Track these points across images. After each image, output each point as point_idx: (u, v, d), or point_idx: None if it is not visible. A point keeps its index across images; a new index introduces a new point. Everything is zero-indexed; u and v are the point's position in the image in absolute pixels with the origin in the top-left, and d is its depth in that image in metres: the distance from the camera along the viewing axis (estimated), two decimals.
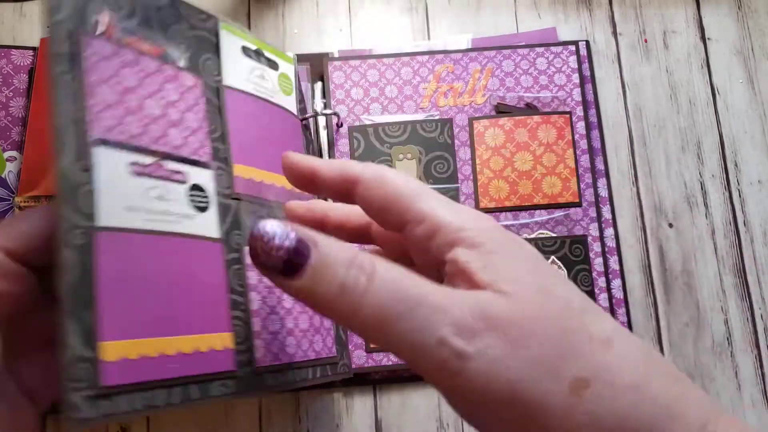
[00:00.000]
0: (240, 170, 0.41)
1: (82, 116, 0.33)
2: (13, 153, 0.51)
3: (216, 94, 0.42)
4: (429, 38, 0.57)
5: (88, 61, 0.34)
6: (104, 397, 0.30)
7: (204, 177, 0.38)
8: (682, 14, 0.59)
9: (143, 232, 0.34)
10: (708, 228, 0.54)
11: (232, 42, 0.46)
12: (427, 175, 0.52)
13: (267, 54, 0.49)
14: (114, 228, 0.32)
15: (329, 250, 0.22)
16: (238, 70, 0.45)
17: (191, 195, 0.37)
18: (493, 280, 0.22)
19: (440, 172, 0.53)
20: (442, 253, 0.23)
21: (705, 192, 0.55)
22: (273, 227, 0.23)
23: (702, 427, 0.21)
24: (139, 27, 0.38)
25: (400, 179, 0.25)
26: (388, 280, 0.21)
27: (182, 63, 0.40)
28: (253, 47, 0.47)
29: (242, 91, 0.44)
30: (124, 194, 0.34)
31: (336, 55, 0.55)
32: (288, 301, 0.41)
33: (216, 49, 0.43)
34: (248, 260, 0.39)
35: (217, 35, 0.44)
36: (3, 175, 0.50)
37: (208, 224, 0.37)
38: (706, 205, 0.55)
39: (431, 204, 0.24)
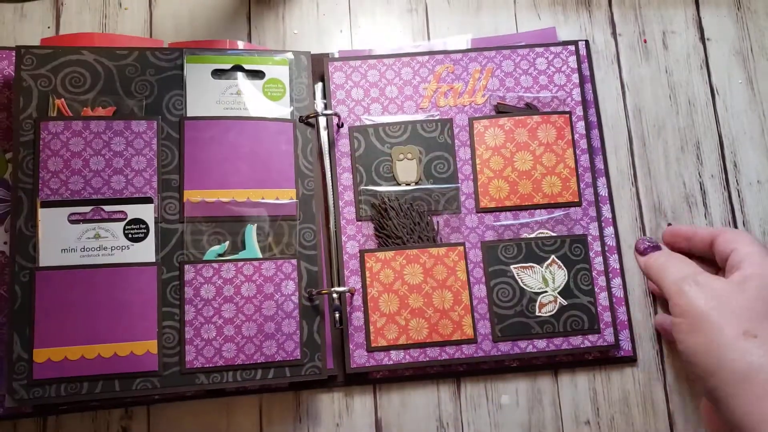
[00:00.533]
0: (191, 195, 0.49)
1: (35, 186, 0.47)
2: None
3: (177, 128, 0.50)
4: (429, 39, 0.58)
5: (42, 142, 0.47)
6: (35, 386, 0.45)
7: (145, 210, 0.48)
8: (682, 15, 0.59)
9: (76, 267, 0.46)
10: None
11: (198, 71, 0.51)
12: (428, 174, 0.52)
13: (248, 67, 0.51)
14: (50, 267, 0.46)
15: (662, 251, 0.47)
16: (205, 97, 0.51)
17: (128, 229, 0.47)
18: (737, 272, 0.42)
19: (440, 171, 0.53)
20: (731, 271, 0.43)
21: (704, 192, 0.55)
22: (649, 238, 0.48)
23: None
24: (97, 95, 0.49)
25: (743, 238, 0.44)
26: (671, 261, 0.45)
27: (137, 111, 0.49)
28: (227, 66, 0.50)
29: (206, 117, 0.50)
30: (62, 239, 0.47)
31: (336, 55, 0.56)
32: (228, 311, 0.48)
33: (183, 83, 0.50)
34: (186, 277, 0.47)
35: (183, 69, 0.51)
36: (5, 177, 0.50)
37: (144, 251, 0.47)
38: (705, 205, 0.55)
39: (750, 249, 0.43)
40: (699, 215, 0.55)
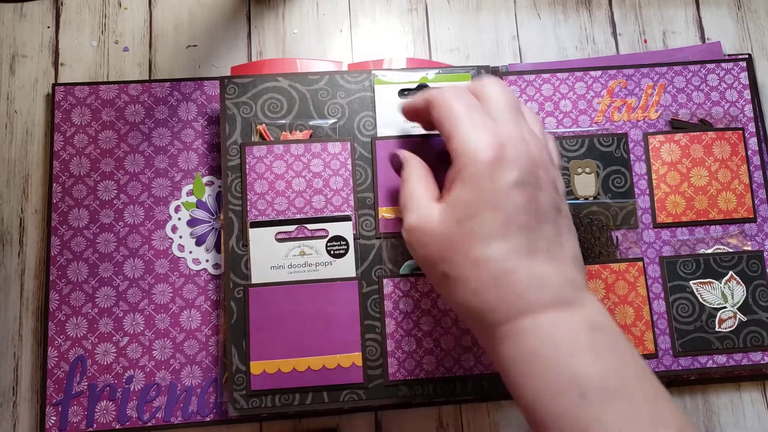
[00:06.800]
0: (385, 212, 0.50)
1: (244, 208, 0.49)
2: (212, 177, 0.53)
3: (369, 148, 0.51)
4: (429, 39, 0.58)
5: (248, 166, 0.50)
6: (253, 397, 0.46)
7: (344, 228, 0.49)
8: (682, 14, 0.59)
9: (285, 283, 0.48)
10: None
11: (386, 92, 0.52)
12: (605, 189, 0.53)
13: (432, 85, 0.52)
14: (261, 284, 0.48)
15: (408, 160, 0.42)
16: (393, 117, 0.52)
17: (330, 246, 0.49)
18: (445, 201, 0.36)
19: (618, 186, 0.53)
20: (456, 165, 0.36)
21: None
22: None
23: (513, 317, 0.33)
24: (294, 119, 0.50)
25: (453, 102, 0.36)
26: (414, 172, 0.40)
27: (331, 133, 0.50)
28: (413, 86, 0.51)
29: (395, 137, 0.51)
30: (270, 257, 0.48)
31: (507, 68, 0.56)
32: (427, 324, 0.48)
33: (373, 104, 0.51)
34: (385, 291, 0.49)
35: (373, 91, 0.51)
36: (203, 199, 0.52)
37: (346, 267, 0.49)
38: None
39: (465, 127, 0.35)
40: None
